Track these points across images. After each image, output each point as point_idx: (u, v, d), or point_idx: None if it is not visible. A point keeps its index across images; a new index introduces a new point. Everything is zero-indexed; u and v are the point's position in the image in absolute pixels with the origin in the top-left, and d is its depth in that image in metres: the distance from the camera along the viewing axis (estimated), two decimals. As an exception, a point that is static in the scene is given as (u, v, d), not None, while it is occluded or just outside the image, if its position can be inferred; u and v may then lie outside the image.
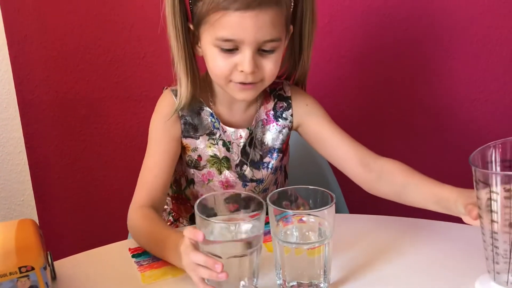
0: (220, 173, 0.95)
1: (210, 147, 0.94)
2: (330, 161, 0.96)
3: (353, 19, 1.33)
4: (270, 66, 0.85)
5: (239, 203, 0.73)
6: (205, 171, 0.95)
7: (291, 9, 0.87)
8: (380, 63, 1.37)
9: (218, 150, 0.94)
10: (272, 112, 0.97)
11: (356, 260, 0.79)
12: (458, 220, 0.88)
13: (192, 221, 1.02)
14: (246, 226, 0.69)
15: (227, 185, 0.95)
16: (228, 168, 0.94)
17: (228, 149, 0.94)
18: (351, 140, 0.93)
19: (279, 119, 0.96)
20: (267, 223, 0.86)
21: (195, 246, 0.68)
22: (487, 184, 0.66)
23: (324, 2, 1.29)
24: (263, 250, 0.82)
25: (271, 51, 0.84)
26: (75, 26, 1.32)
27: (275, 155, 0.97)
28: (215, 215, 0.72)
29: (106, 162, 1.46)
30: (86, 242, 1.44)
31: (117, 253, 0.83)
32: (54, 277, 0.75)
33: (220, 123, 0.93)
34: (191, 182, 0.97)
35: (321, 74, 1.35)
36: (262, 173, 0.96)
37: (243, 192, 0.74)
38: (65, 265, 0.79)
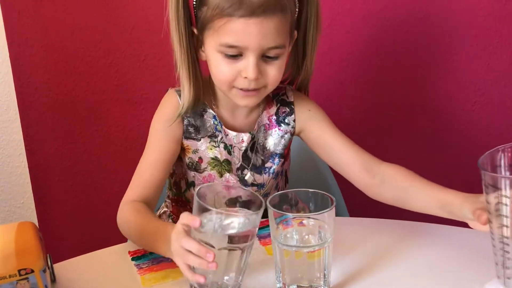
0: (221, 176, 0.94)
1: (211, 149, 0.94)
2: (333, 166, 0.96)
3: (353, 23, 1.33)
4: (274, 73, 0.85)
5: (239, 205, 0.73)
6: (205, 173, 0.95)
7: (296, 15, 0.87)
8: (381, 66, 1.37)
9: (219, 153, 0.94)
10: (274, 117, 0.96)
11: (356, 264, 0.79)
12: (460, 224, 0.88)
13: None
14: (243, 219, 0.69)
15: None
16: (229, 171, 0.94)
17: (229, 153, 0.94)
18: (353, 145, 0.93)
19: (282, 124, 0.96)
20: (267, 226, 0.87)
21: (187, 233, 0.68)
22: (496, 188, 0.65)
23: (325, 6, 1.29)
24: (262, 253, 0.82)
25: (275, 58, 0.84)
26: (75, 28, 1.32)
27: (276, 160, 0.97)
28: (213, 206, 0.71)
29: (106, 164, 1.46)
30: (86, 245, 1.44)
31: (117, 256, 0.83)
32: (53, 279, 0.75)
33: (223, 126, 0.93)
34: (191, 184, 0.97)
35: (321, 77, 1.35)
36: (263, 178, 0.96)
37: (245, 190, 0.73)
38: (65, 268, 0.79)
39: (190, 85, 0.88)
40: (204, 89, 0.92)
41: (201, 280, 0.66)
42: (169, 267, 0.79)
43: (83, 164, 1.45)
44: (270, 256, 0.80)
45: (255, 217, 0.68)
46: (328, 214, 0.69)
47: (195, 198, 0.68)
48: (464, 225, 0.88)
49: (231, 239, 0.67)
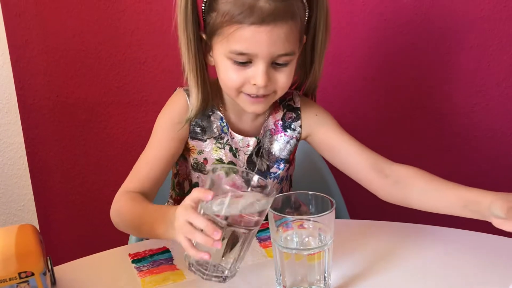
0: (227, 177, 0.94)
1: (216, 150, 0.93)
2: (342, 170, 0.95)
3: (353, 24, 1.33)
4: (283, 80, 0.85)
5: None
6: None
7: (305, 21, 0.86)
8: (380, 68, 1.37)
9: (224, 155, 0.93)
10: (280, 122, 0.96)
11: (357, 266, 0.79)
12: (461, 226, 0.88)
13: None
14: (253, 200, 0.68)
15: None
16: (235, 172, 0.94)
17: (234, 155, 0.94)
18: (362, 147, 0.92)
19: (288, 130, 0.96)
20: (267, 228, 0.87)
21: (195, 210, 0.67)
22: None
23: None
24: (263, 256, 0.82)
25: (285, 65, 0.83)
26: (76, 31, 1.32)
27: (282, 165, 0.97)
28: None
29: (106, 167, 1.46)
30: (86, 248, 1.44)
31: (117, 258, 0.83)
32: (54, 282, 0.75)
33: (229, 128, 0.93)
34: (195, 185, 0.97)
35: (322, 79, 1.35)
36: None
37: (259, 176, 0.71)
38: (65, 271, 0.79)
39: (198, 90, 0.87)
40: (212, 92, 0.91)
41: (206, 256, 0.65)
42: (169, 269, 0.79)
43: (84, 166, 1.45)
44: (270, 259, 0.80)
45: (265, 202, 0.67)
46: (328, 217, 0.68)
47: (210, 175, 0.67)
48: (465, 227, 0.88)
49: (237, 220, 0.66)
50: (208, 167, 0.94)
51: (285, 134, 0.96)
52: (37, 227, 1.45)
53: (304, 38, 0.88)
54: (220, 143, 0.93)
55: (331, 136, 0.94)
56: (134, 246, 0.87)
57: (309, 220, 0.71)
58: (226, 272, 0.69)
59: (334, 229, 0.69)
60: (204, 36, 0.86)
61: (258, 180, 0.70)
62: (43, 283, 0.66)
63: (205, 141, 0.93)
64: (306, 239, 0.71)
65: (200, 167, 0.95)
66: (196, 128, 0.92)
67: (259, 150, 0.95)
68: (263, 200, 0.68)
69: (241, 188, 0.69)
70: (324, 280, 0.71)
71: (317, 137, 0.96)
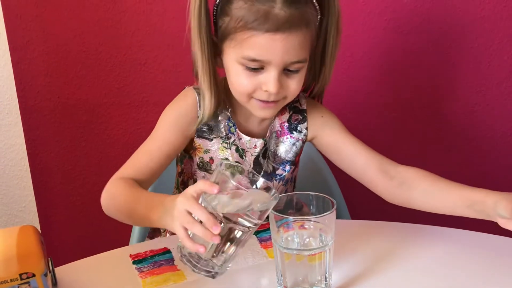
0: (233, 176, 0.94)
1: (222, 150, 0.93)
2: (348, 172, 0.94)
3: (354, 25, 1.33)
4: (294, 86, 0.85)
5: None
6: None
7: (317, 26, 0.86)
8: (380, 68, 1.37)
9: (231, 155, 0.93)
10: (286, 124, 0.96)
11: (358, 266, 0.79)
12: (461, 225, 0.88)
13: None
14: (258, 202, 0.68)
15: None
16: (241, 172, 0.94)
17: (241, 156, 0.93)
18: (367, 149, 0.92)
19: (294, 132, 0.96)
20: (267, 229, 0.87)
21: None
22: None
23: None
24: (264, 257, 0.82)
25: (296, 71, 0.83)
26: (76, 32, 1.32)
27: (287, 167, 0.97)
28: None
29: (107, 167, 1.45)
30: (87, 248, 1.44)
31: (118, 259, 0.83)
32: (55, 283, 0.75)
33: (237, 129, 0.93)
34: None
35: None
36: (273, 185, 0.95)
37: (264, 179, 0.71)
38: (66, 272, 0.79)
39: (211, 93, 0.87)
40: (220, 92, 0.91)
41: (201, 250, 0.65)
42: (170, 270, 0.79)
43: (85, 167, 1.45)
44: (271, 259, 0.80)
45: (267, 204, 0.67)
46: (329, 217, 0.68)
47: (219, 168, 0.67)
48: (466, 227, 0.88)
49: (237, 218, 0.66)
50: (214, 166, 0.94)
51: (291, 136, 0.96)
52: (38, 228, 1.46)
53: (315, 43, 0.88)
54: (226, 143, 0.93)
55: (336, 138, 0.94)
56: (135, 247, 0.87)
57: (310, 220, 0.71)
58: (216, 268, 0.68)
59: (335, 229, 0.69)
60: (214, 38, 0.85)
61: (263, 183, 0.69)
62: (44, 284, 0.66)
63: (211, 140, 0.93)
64: (307, 240, 0.71)
65: (205, 166, 0.94)
66: (203, 127, 0.92)
67: (266, 152, 0.95)
68: (266, 202, 0.68)
69: (246, 187, 0.69)
70: (325, 280, 0.71)
71: (323, 139, 0.96)
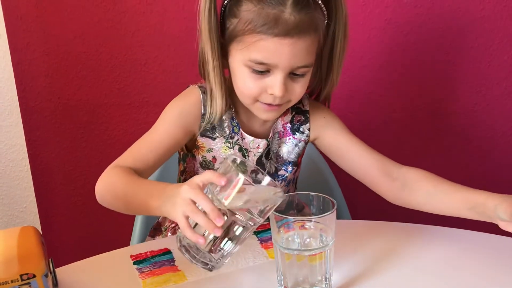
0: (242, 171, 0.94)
1: (225, 149, 0.93)
2: (351, 173, 0.95)
3: (353, 24, 1.33)
4: (299, 90, 0.85)
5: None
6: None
7: (324, 31, 0.86)
8: (381, 68, 1.37)
9: (234, 154, 0.93)
10: (289, 125, 0.96)
11: (358, 266, 0.79)
12: (462, 225, 0.88)
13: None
14: (263, 199, 0.67)
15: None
16: (244, 172, 0.94)
17: (244, 156, 0.93)
18: (370, 150, 0.92)
19: (296, 133, 0.96)
20: (268, 229, 0.87)
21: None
22: None
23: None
24: (264, 257, 0.82)
25: (301, 75, 0.84)
26: (77, 32, 1.33)
27: (290, 168, 0.97)
28: None
29: (108, 168, 1.46)
30: (87, 249, 1.44)
31: (118, 260, 0.83)
32: (55, 284, 0.75)
33: (240, 129, 0.93)
34: None
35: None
36: None
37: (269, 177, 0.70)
38: (67, 272, 0.79)
39: (222, 95, 0.87)
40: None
41: (201, 241, 0.64)
42: (171, 271, 0.79)
43: (85, 168, 1.46)
44: (272, 260, 0.80)
45: (272, 202, 0.67)
46: (329, 217, 0.68)
47: (228, 161, 0.66)
48: (466, 227, 0.88)
49: (240, 213, 0.66)
50: (216, 165, 0.94)
51: (293, 137, 0.96)
52: (39, 229, 1.46)
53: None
54: (229, 142, 0.93)
55: (339, 139, 0.94)
56: (135, 247, 0.87)
57: (310, 221, 0.71)
58: (213, 261, 0.68)
59: (335, 229, 0.69)
60: (221, 39, 0.85)
61: (269, 182, 0.69)
62: (44, 285, 0.66)
63: (215, 139, 0.93)
64: (308, 240, 0.71)
65: (208, 165, 0.94)
66: (206, 126, 0.92)
67: (268, 153, 0.95)
68: (271, 200, 0.68)
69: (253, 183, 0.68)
70: (326, 280, 0.71)
71: (325, 140, 0.96)
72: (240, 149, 0.93)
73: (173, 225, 1.03)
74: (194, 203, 0.66)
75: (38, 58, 1.34)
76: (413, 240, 0.86)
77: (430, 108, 1.40)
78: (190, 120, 0.91)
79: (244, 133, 0.93)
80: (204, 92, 0.91)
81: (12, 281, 0.64)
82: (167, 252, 0.84)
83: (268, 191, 0.69)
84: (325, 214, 0.68)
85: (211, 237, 0.66)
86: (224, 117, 0.92)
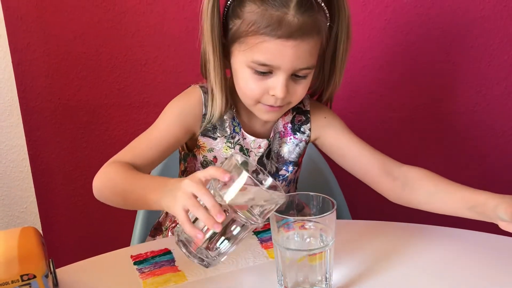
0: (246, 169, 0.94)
1: (226, 149, 0.93)
2: (352, 172, 0.95)
3: (354, 25, 1.33)
4: (300, 91, 0.85)
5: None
6: None
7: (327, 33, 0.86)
8: (381, 67, 1.37)
9: (237, 153, 0.93)
10: (290, 125, 0.96)
11: (358, 266, 0.79)
12: (463, 225, 0.88)
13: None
14: (265, 199, 0.67)
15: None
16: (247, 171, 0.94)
17: (245, 155, 0.94)
18: (371, 149, 0.92)
19: (297, 133, 0.96)
20: (268, 229, 0.87)
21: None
22: None
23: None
24: (264, 257, 0.82)
25: (303, 77, 0.84)
26: (77, 33, 1.33)
27: (290, 168, 0.97)
28: None
29: (108, 168, 1.46)
30: (88, 249, 1.44)
31: (119, 260, 0.83)
32: (56, 284, 0.75)
33: (241, 129, 0.93)
34: None
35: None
36: None
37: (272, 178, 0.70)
38: (67, 273, 0.79)
39: (222, 95, 0.87)
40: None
41: (200, 235, 0.64)
42: (171, 271, 0.79)
43: (86, 168, 1.46)
44: (272, 260, 0.80)
45: (273, 204, 0.67)
46: (329, 217, 0.69)
47: (233, 159, 0.66)
48: (467, 227, 0.88)
49: (240, 212, 0.66)
50: (217, 165, 0.94)
51: (294, 137, 0.96)
52: (40, 229, 1.46)
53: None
54: (230, 142, 0.93)
55: (339, 139, 0.94)
56: (136, 247, 0.87)
57: (311, 221, 0.71)
58: (210, 258, 0.68)
59: (335, 229, 0.69)
60: (223, 40, 0.85)
61: (271, 182, 0.69)
62: (45, 286, 0.66)
63: (216, 139, 0.93)
64: (308, 240, 0.71)
65: (209, 165, 0.94)
66: (207, 125, 0.92)
67: (269, 153, 0.95)
68: (272, 201, 0.68)
69: (256, 183, 0.68)
70: (326, 280, 0.71)
71: (326, 140, 0.96)
72: (241, 149, 0.93)
73: (173, 224, 1.03)
74: (196, 197, 0.66)
75: (38, 59, 1.34)
76: (413, 240, 0.86)
77: (430, 108, 1.40)
78: (191, 119, 0.91)
79: (245, 133, 0.93)
80: (205, 92, 0.91)
81: (12, 282, 0.64)
82: (168, 252, 0.84)
83: (270, 192, 0.69)
84: (325, 214, 0.68)
85: (208, 234, 0.66)
86: (225, 117, 0.92)
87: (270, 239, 0.80)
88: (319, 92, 0.97)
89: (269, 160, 0.96)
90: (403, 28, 1.33)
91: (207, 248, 0.67)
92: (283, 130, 0.96)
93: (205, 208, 0.64)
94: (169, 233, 1.01)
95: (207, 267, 0.69)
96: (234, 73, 0.87)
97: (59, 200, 1.48)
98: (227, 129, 0.93)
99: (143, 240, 1.13)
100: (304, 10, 0.78)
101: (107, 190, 0.83)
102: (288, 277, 0.71)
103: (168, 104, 0.92)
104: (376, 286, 0.75)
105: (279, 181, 0.96)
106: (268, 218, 0.70)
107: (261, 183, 0.69)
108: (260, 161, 0.95)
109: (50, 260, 0.73)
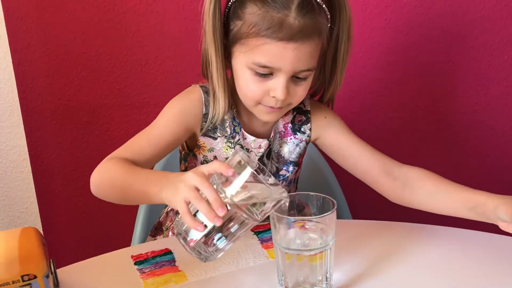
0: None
1: (226, 149, 0.93)
2: (352, 172, 0.95)
3: (354, 25, 1.33)
4: (301, 93, 0.85)
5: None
6: None
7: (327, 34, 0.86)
8: (381, 67, 1.37)
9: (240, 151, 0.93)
10: (290, 125, 0.96)
11: (359, 266, 0.79)
12: (464, 225, 0.88)
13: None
14: (266, 197, 0.67)
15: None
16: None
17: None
18: (371, 149, 0.92)
19: (297, 133, 0.96)
20: (268, 229, 0.87)
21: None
22: None
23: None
24: (264, 257, 0.82)
25: (304, 79, 0.84)
26: (77, 33, 1.33)
27: (291, 168, 0.97)
28: None
29: (109, 169, 1.46)
30: (89, 250, 1.45)
31: (119, 260, 0.83)
32: (56, 284, 0.75)
33: (242, 129, 0.93)
34: None
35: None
36: None
37: (273, 177, 0.70)
38: (68, 273, 0.79)
39: (225, 96, 0.87)
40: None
41: (201, 228, 0.64)
42: (171, 271, 0.79)
43: (86, 168, 1.46)
44: (272, 260, 0.80)
45: (274, 203, 0.67)
46: (330, 217, 0.69)
47: (238, 154, 0.66)
48: (467, 226, 0.88)
49: (241, 208, 0.65)
50: None
51: (294, 137, 0.96)
52: (40, 229, 1.46)
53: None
54: (231, 142, 0.93)
55: (340, 139, 0.94)
56: (136, 248, 0.87)
57: (311, 221, 0.71)
58: (207, 253, 0.68)
59: (335, 229, 0.70)
60: (224, 40, 0.85)
61: (272, 182, 0.69)
62: (46, 286, 0.66)
63: (216, 139, 0.93)
64: (308, 240, 0.71)
65: None
66: (209, 126, 0.92)
67: (270, 153, 0.95)
68: (274, 199, 0.67)
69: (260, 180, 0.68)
70: (326, 280, 0.71)
71: (326, 140, 0.96)
72: (242, 149, 0.93)
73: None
74: (198, 190, 0.66)
75: (38, 59, 1.34)
76: (414, 240, 0.86)
77: (430, 108, 1.40)
78: (191, 118, 0.91)
79: (245, 133, 0.93)
80: (206, 92, 0.91)
81: (13, 282, 0.64)
82: (168, 252, 0.84)
83: (273, 191, 0.69)
84: (326, 214, 0.68)
85: (208, 228, 0.66)
86: (225, 117, 0.92)
87: (271, 239, 0.80)
88: (320, 92, 0.97)
89: (269, 160, 0.96)
90: (403, 28, 1.33)
91: (205, 243, 0.67)
92: (284, 130, 0.96)
93: (207, 201, 0.64)
94: (170, 233, 1.01)
95: (204, 261, 0.69)
96: (234, 74, 0.87)
97: (59, 200, 1.48)
98: (228, 129, 0.93)
99: (143, 240, 1.13)
100: (305, 12, 0.78)
101: (106, 185, 0.83)
102: (288, 277, 0.71)
103: (169, 102, 0.92)
104: (376, 286, 0.75)
105: (279, 181, 0.97)
106: (268, 218, 0.70)
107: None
108: (260, 161, 0.95)
109: (51, 260, 0.73)
